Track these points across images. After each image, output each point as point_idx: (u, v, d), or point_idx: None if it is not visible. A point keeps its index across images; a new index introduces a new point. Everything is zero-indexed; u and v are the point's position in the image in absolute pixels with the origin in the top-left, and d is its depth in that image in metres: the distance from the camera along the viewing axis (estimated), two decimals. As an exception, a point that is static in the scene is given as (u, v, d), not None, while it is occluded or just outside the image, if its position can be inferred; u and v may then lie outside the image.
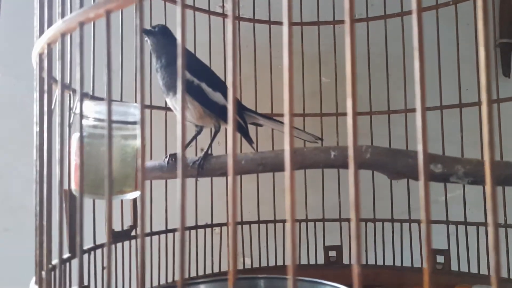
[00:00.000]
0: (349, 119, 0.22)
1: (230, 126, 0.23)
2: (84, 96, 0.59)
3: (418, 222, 0.80)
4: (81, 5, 0.40)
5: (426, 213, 0.21)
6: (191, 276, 0.77)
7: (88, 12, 0.30)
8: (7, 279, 0.79)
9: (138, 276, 0.28)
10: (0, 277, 0.80)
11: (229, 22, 0.23)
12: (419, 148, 0.22)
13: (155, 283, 0.71)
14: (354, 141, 0.22)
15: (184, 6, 0.25)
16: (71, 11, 0.48)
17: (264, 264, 0.86)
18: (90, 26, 0.60)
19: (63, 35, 0.33)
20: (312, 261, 0.85)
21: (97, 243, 0.60)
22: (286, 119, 0.23)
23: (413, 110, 0.83)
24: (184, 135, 0.25)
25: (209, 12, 0.81)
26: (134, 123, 0.52)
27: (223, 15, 0.84)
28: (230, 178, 0.23)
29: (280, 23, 0.89)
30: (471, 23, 0.80)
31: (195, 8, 0.80)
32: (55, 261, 0.37)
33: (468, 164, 0.48)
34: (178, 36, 0.24)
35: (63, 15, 0.34)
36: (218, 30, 0.81)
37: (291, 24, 0.23)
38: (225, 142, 0.84)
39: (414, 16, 0.21)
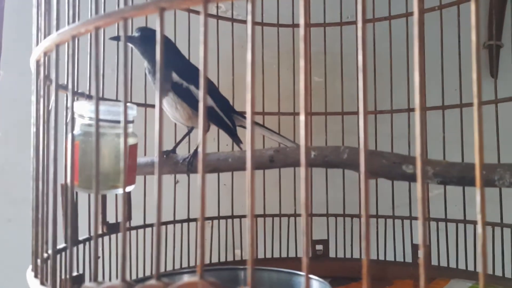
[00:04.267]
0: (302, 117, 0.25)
1: (200, 124, 0.27)
2: (79, 95, 0.63)
3: (401, 218, 0.84)
4: (74, 19, 0.44)
5: (365, 209, 0.24)
6: (183, 267, 0.80)
7: (80, 27, 0.33)
8: (10, 267, 0.83)
9: (121, 266, 0.31)
10: (3, 265, 0.85)
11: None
12: (361, 144, 0.25)
13: (147, 273, 0.75)
14: (305, 139, 0.25)
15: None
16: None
17: (253, 256, 0.89)
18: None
19: (57, 46, 0.37)
20: (300, 255, 0.88)
21: (92, 234, 0.64)
22: (248, 116, 0.26)
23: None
24: (161, 126, 0.29)
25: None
26: (127, 122, 0.55)
27: (217, 17, 0.87)
28: (199, 175, 0.26)
29: (273, 25, 0.92)
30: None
31: (189, 10, 0.83)
32: (51, 250, 0.41)
33: (437, 166, 0.51)
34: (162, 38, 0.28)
35: (58, 27, 0.37)
36: (212, 30, 0.84)
37: (254, 23, 0.26)
38: (218, 138, 0.87)
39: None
